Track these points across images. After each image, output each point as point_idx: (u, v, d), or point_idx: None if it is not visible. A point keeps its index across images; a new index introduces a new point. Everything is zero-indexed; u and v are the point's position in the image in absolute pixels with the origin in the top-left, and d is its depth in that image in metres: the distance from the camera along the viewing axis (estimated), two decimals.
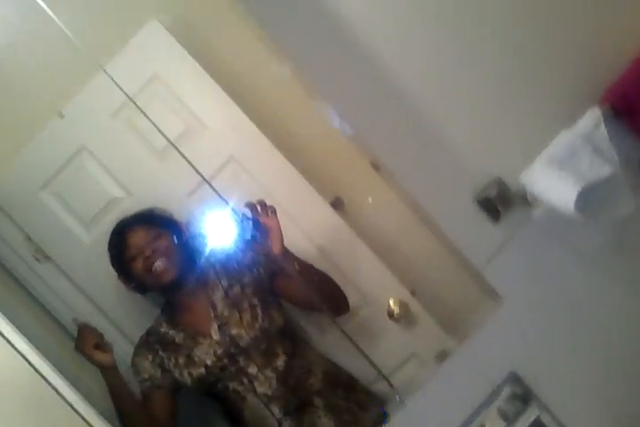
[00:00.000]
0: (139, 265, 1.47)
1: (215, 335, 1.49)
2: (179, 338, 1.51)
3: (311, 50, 1.33)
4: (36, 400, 1.13)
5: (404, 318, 1.54)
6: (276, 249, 1.39)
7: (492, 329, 1.42)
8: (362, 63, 1.35)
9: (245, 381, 1.47)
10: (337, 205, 1.59)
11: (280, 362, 1.48)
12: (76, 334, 1.41)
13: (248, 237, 1.37)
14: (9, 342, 1.12)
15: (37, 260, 1.56)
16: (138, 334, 1.53)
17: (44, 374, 1.13)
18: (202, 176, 1.42)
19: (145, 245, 1.48)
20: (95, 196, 1.57)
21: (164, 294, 1.54)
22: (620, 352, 1.52)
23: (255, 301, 1.51)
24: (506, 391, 1.42)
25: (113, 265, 1.51)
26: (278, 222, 1.39)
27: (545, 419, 1.43)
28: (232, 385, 1.48)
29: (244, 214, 1.38)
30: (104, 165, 1.56)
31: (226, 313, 1.50)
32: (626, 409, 1.52)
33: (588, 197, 1.31)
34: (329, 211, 1.58)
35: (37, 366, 1.14)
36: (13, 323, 1.16)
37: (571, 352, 1.49)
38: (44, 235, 1.57)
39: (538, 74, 1.44)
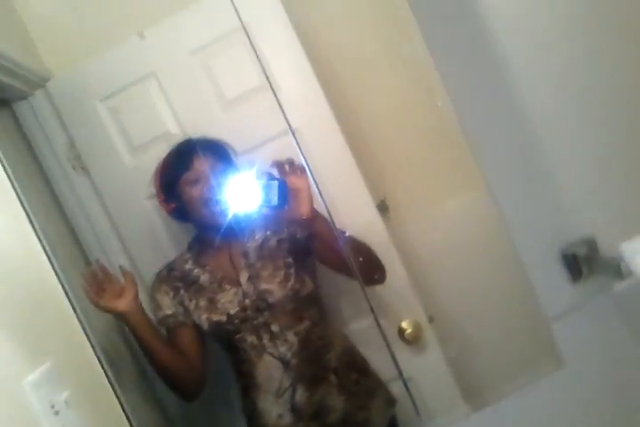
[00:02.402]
0: (196, 192, 1.44)
1: (244, 285, 1.46)
2: (204, 279, 1.48)
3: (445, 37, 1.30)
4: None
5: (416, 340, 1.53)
6: (304, 212, 1.33)
7: (542, 391, 1.41)
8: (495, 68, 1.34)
9: (266, 337, 1.44)
10: (382, 208, 1.55)
11: (303, 327, 1.45)
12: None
13: (274, 199, 1.30)
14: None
15: (74, 169, 1.56)
16: (153, 268, 1.51)
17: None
18: None
19: (209, 175, 1.43)
20: (150, 124, 1.56)
21: (201, 229, 1.51)
22: None
23: (290, 259, 1.46)
24: None
25: (162, 180, 1.47)
26: (308, 183, 1.32)
27: None
28: (251, 339, 1.44)
29: (269, 174, 1.32)
30: (168, 98, 1.54)
31: (258, 265, 1.47)
32: None
33: None
34: (373, 212, 1.54)
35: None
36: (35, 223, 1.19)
37: None
38: (89, 147, 1.56)
39: None
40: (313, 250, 1.47)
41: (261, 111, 1.50)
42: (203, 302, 1.46)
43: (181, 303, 1.47)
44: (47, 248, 1.18)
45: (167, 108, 1.54)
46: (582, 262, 1.37)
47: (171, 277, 1.50)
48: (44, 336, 1.04)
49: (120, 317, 1.37)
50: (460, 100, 1.32)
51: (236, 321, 1.44)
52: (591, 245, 1.39)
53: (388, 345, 1.47)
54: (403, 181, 1.63)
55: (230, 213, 1.41)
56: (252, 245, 1.48)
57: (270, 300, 1.44)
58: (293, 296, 1.44)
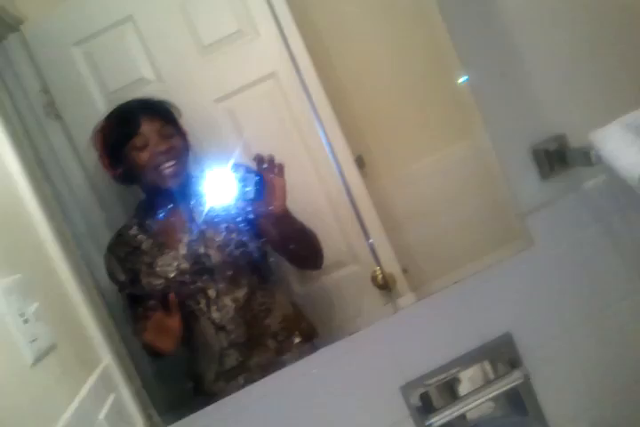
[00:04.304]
0: (145, 157, 1.42)
1: (182, 249, 1.46)
2: (146, 244, 1.48)
3: None
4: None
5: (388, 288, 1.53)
6: (276, 209, 1.38)
7: (510, 271, 1.47)
8: None
9: (203, 302, 1.46)
10: (358, 163, 1.55)
11: (241, 294, 1.46)
12: None
13: (250, 191, 1.35)
14: None
15: (48, 114, 1.53)
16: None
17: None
18: None
19: (160, 140, 1.43)
20: (125, 69, 1.52)
21: (148, 193, 1.49)
22: (624, 351, 1.57)
23: (233, 225, 1.47)
24: (494, 350, 1.46)
25: (106, 144, 1.45)
26: (285, 181, 1.37)
27: (522, 390, 1.48)
28: (189, 303, 1.46)
29: (248, 168, 1.36)
30: (145, 43, 1.50)
31: (200, 229, 1.47)
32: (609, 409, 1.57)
33: None
34: (351, 166, 1.54)
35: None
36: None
37: (572, 333, 1.54)
38: (63, 93, 1.52)
39: None
40: (259, 226, 1.48)
41: (240, 57, 1.48)
42: (143, 267, 1.46)
43: (131, 270, 1.46)
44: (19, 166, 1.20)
45: (143, 54, 1.50)
46: (553, 157, 1.39)
47: (119, 243, 1.49)
48: (13, 249, 1.04)
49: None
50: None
51: (175, 285, 1.44)
52: (562, 140, 1.40)
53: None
54: (379, 139, 1.62)
55: (178, 177, 1.43)
56: (197, 211, 1.48)
57: (207, 264, 1.44)
58: (232, 262, 1.45)
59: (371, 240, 1.54)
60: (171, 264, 1.45)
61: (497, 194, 1.49)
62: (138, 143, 1.42)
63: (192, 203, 1.48)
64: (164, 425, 1.41)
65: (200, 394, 1.49)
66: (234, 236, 1.46)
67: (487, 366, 1.46)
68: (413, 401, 1.46)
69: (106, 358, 1.27)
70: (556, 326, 1.52)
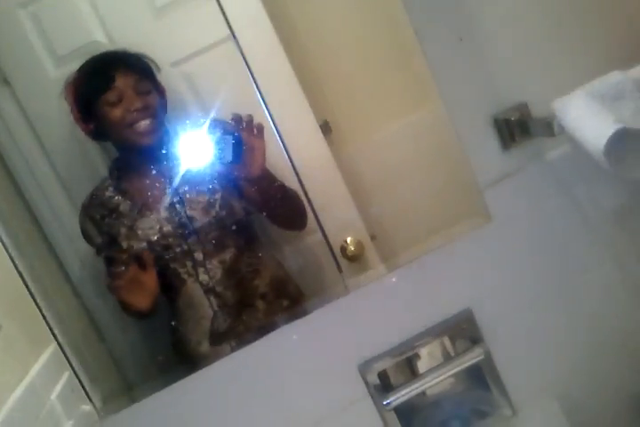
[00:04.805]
0: (118, 113, 1.35)
1: (164, 212, 1.42)
2: (124, 206, 1.43)
3: None
4: None
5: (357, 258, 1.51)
6: (254, 172, 1.34)
7: (469, 247, 1.44)
8: None
9: (189, 265, 1.42)
10: (324, 129, 1.50)
11: (228, 255, 1.43)
12: None
13: (228, 155, 1.30)
14: None
15: None
16: (85, 190, 1.44)
17: None
18: None
19: (134, 96, 1.36)
20: (76, 32, 1.44)
21: (122, 151, 1.43)
22: (589, 324, 1.55)
23: (217, 186, 1.43)
24: (454, 326, 1.43)
25: (77, 98, 1.38)
26: (264, 143, 1.32)
27: (484, 366, 1.46)
28: (174, 266, 1.42)
29: (225, 128, 1.30)
30: (95, 4, 1.42)
31: (181, 190, 1.42)
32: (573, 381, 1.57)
33: (622, 144, 1.21)
34: (316, 132, 1.49)
35: None
36: None
37: (534, 307, 1.51)
38: (9, 58, 1.44)
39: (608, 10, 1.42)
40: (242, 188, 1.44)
41: (195, 20, 1.42)
42: (123, 230, 1.41)
43: (107, 233, 1.42)
44: None
45: (94, 16, 1.42)
46: (514, 127, 1.36)
47: (92, 205, 1.43)
48: None
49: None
50: None
51: (158, 248, 1.41)
52: (524, 109, 1.36)
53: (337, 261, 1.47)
54: (345, 103, 1.57)
55: (153, 136, 1.37)
56: (175, 171, 1.42)
57: (192, 226, 1.40)
58: (217, 224, 1.41)
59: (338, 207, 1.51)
60: (152, 227, 1.41)
61: (458, 164, 1.45)
62: (111, 98, 1.35)
63: (170, 163, 1.41)
64: (129, 400, 1.37)
65: (184, 362, 1.47)
66: (217, 197, 1.42)
67: (447, 342, 1.45)
68: (371, 380, 1.44)
69: (58, 336, 1.23)
70: (517, 301, 1.50)
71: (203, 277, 1.42)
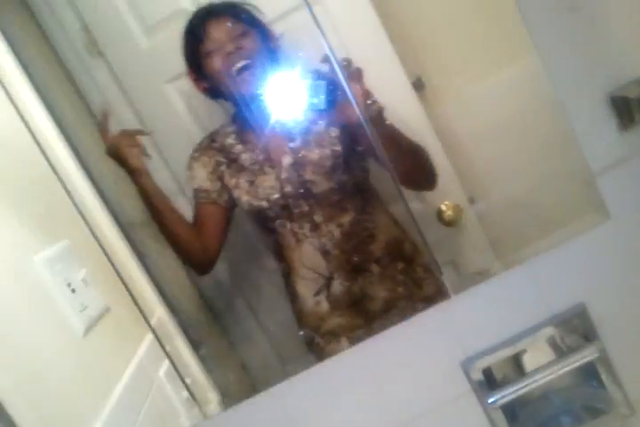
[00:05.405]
0: (216, 63, 1.34)
1: (286, 172, 1.39)
2: (245, 157, 1.40)
3: None
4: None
5: (454, 223, 1.46)
6: (352, 119, 1.28)
7: (584, 245, 1.34)
8: None
9: (307, 227, 1.40)
10: (417, 86, 1.43)
11: (347, 219, 1.40)
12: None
13: (321, 102, 1.22)
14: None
15: (89, 53, 1.49)
16: (178, 155, 1.45)
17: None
18: None
19: (227, 40, 1.34)
20: (163, 1, 1.45)
21: (237, 105, 1.40)
22: None
23: (339, 148, 1.39)
24: (565, 322, 1.36)
25: (186, 59, 1.38)
26: (363, 88, 1.25)
27: (599, 364, 1.37)
28: (291, 226, 1.40)
29: (318, 72, 1.23)
30: None
31: (303, 152, 1.39)
32: None
33: None
34: (408, 89, 1.43)
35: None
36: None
37: None
38: (103, 30, 1.47)
39: None
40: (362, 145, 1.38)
41: None
42: (243, 183, 1.40)
43: (220, 179, 1.41)
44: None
45: None
46: (634, 105, 1.23)
47: (212, 148, 1.42)
48: (55, 216, 1.02)
49: (135, 172, 1.34)
50: None
51: (277, 208, 1.39)
52: None
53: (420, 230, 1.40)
54: (439, 58, 1.50)
55: (254, 82, 1.31)
56: (296, 127, 1.39)
57: (314, 191, 1.38)
58: (339, 188, 1.39)
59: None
60: (274, 186, 1.39)
61: (568, 147, 1.34)
62: (206, 49, 1.34)
63: (288, 119, 1.36)
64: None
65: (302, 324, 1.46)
66: (340, 160, 1.39)
67: (557, 338, 1.35)
68: (475, 376, 1.38)
69: (159, 311, 1.25)
70: (637, 297, 1.38)
71: (322, 239, 1.40)
